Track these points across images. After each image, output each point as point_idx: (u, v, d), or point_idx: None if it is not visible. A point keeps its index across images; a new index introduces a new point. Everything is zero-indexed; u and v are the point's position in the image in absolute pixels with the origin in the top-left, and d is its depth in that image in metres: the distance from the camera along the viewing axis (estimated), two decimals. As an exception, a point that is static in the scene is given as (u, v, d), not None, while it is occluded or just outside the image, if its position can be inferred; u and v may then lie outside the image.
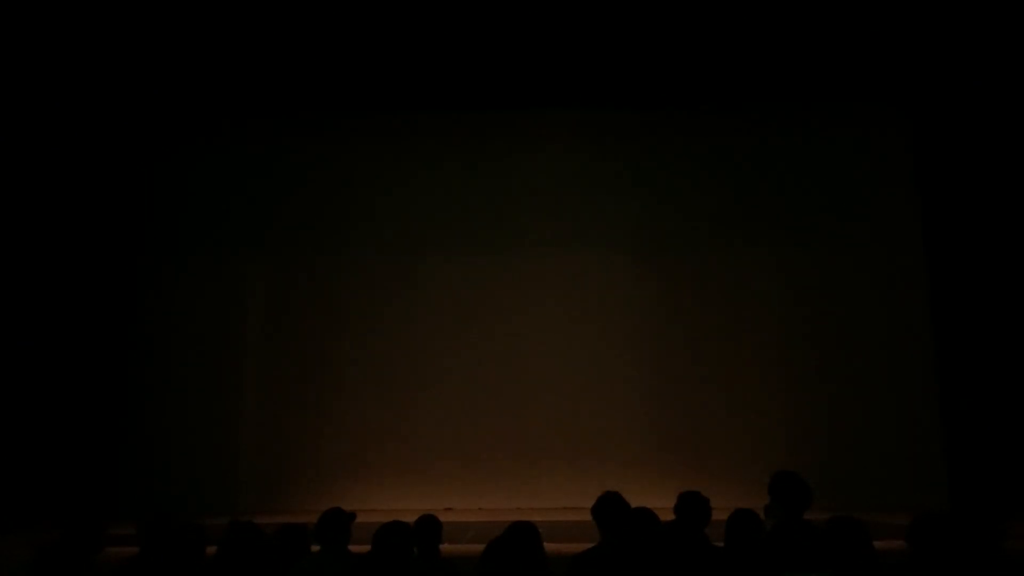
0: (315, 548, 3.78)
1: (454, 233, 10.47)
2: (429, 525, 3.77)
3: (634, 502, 3.71)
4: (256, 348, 10.32)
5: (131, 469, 9.74)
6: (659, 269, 10.35)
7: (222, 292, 10.38)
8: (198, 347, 10.14)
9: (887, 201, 10.37)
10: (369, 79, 9.75)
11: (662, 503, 4.41)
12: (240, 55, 9.25)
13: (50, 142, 9.33)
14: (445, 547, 3.87)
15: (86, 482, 9.15)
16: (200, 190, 10.60)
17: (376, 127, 10.68)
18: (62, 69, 9.14)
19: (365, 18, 8.67)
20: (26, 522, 7.83)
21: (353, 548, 3.84)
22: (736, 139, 10.56)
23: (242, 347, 10.29)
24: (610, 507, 3.65)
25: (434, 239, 10.46)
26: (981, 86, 9.39)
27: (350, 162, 10.64)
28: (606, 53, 9.39)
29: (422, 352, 10.21)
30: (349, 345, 10.26)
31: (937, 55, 9.51)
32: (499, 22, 8.77)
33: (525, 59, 9.40)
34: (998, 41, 8.87)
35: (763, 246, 10.34)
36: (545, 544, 3.28)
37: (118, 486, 9.55)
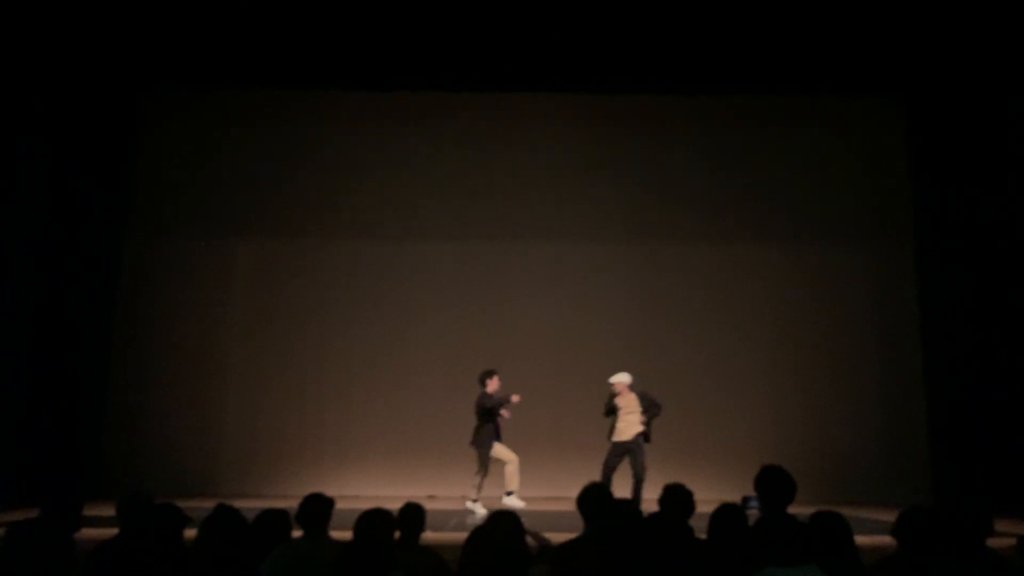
0: (296, 533, 3.75)
1: (442, 221, 10.43)
2: (412, 513, 3.74)
3: (618, 493, 3.70)
4: (241, 334, 10.25)
5: (113, 454, 9.67)
6: (649, 260, 10.35)
7: (208, 277, 10.30)
8: (182, 331, 10.06)
9: (879, 200, 10.40)
10: (359, 60, 9.64)
11: (647, 495, 4.40)
12: (229, 33, 9.12)
13: (32, 129, 9.14)
14: (428, 535, 3.85)
15: (67, 465, 9.05)
16: (187, 175, 10.49)
17: (364, 110, 10.60)
18: (42, 53, 8.97)
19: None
20: (4, 504, 7.75)
21: (335, 534, 3.81)
22: (730, 132, 10.55)
23: (227, 332, 10.23)
24: (594, 497, 3.63)
25: (422, 226, 10.41)
26: (977, 83, 9.37)
27: (337, 146, 10.56)
28: (600, 39, 9.31)
29: (407, 339, 10.17)
30: (334, 332, 10.21)
31: (932, 53, 9.49)
32: (490, 3, 8.68)
33: (518, 41, 9.30)
34: (993, 38, 8.84)
35: (753, 241, 10.34)
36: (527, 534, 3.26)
37: (100, 470, 9.48)
